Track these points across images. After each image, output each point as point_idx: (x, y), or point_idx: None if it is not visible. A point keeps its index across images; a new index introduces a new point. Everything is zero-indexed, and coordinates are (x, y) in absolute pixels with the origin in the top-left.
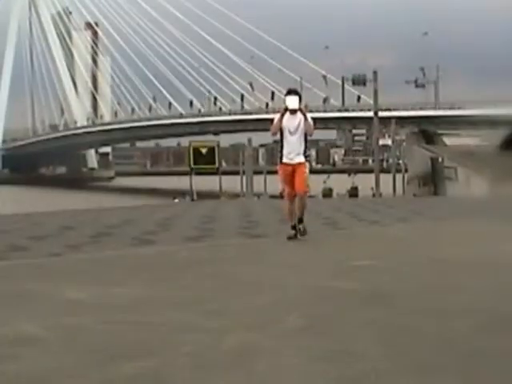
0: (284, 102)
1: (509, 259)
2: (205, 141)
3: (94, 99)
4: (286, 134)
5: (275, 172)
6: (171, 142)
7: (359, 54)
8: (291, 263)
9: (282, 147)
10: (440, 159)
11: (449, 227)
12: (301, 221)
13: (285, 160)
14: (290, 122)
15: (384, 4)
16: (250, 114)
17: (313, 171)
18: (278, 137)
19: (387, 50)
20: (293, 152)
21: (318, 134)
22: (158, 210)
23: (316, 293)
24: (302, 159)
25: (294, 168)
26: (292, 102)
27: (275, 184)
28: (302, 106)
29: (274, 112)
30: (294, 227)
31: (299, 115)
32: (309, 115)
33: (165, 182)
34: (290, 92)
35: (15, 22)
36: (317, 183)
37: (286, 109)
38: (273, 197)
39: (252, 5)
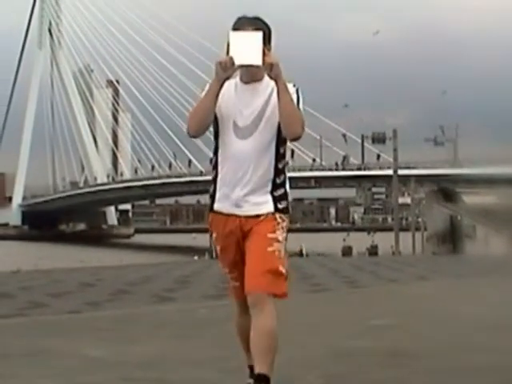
0: (228, 50)
1: None
2: None
3: (115, 156)
4: (225, 133)
5: (294, 230)
6: (191, 200)
7: (378, 112)
8: (309, 321)
9: (215, 170)
10: (459, 217)
11: (467, 286)
12: (262, 381)
13: (218, 205)
14: (240, 103)
15: (402, 61)
16: None
17: (332, 229)
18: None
19: (406, 107)
20: (241, 183)
21: (338, 192)
22: (178, 268)
23: (334, 351)
24: (267, 206)
25: (244, 227)
26: (244, 46)
27: (294, 242)
28: (272, 59)
29: (294, 170)
30: (251, 370)
31: (265, 84)
32: (290, 85)
33: (184, 239)
34: (240, 22)
35: (37, 78)
36: (337, 241)
37: (230, 64)
38: (292, 255)
39: None
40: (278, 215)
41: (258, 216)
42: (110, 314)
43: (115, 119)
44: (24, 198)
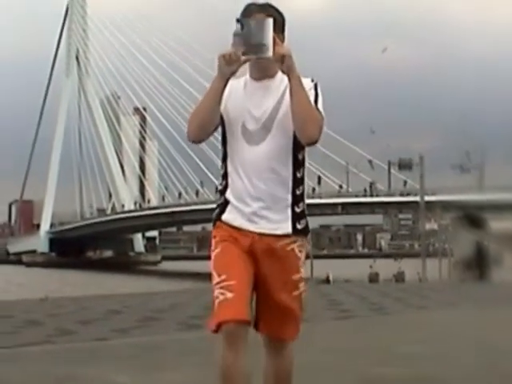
0: (233, 41)
1: None
2: None
3: (142, 183)
4: (234, 138)
5: (321, 257)
6: None
7: (404, 137)
8: (337, 348)
9: (224, 180)
10: (486, 243)
11: (495, 313)
12: None
13: (228, 216)
14: (249, 103)
15: (429, 86)
16: None
17: (359, 255)
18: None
19: (432, 132)
20: (255, 196)
21: (365, 219)
22: (205, 294)
23: (362, 378)
24: (285, 225)
25: (256, 244)
26: (252, 35)
27: (320, 268)
28: (284, 49)
29: (320, 197)
30: None
31: (278, 80)
32: (307, 80)
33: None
34: (249, 10)
35: (64, 106)
36: (363, 268)
37: (236, 57)
38: (319, 282)
39: None
40: (298, 244)
41: (274, 236)
42: (137, 341)
43: (142, 146)
44: (52, 225)
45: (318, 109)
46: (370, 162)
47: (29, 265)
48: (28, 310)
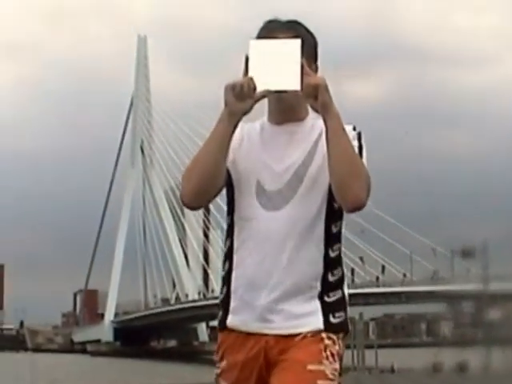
0: (247, 69)
1: None
2: None
3: (205, 273)
4: (245, 202)
5: (386, 345)
6: None
7: (468, 223)
8: None
9: (228, 261)
10: None
11: None
12: None
13: (234, 319)
14: (268, 154)
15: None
16: (360, 287)
17: (423, 344)
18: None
19: (496, 218)
20: (271, 283)
21: (428, 307)
22: None
23: None
24: (313, 319)
25: (272, 351)
26: (273, 61)
27: (385, 357)
28: (317, 78)
29: (384, 286)
30: None
31: (309, 124)
32: (348, 127)
33: None
34: (270, 28)
35: (129, 196)
36: (427, 356)
37: (249, 90)
38: (383, 371)
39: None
40: (325, 334)
41: (295, 336)
42: None
43: (206, 236)
44: (116, 315)
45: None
46: (434, 250)
47: (93, 354)
48: None
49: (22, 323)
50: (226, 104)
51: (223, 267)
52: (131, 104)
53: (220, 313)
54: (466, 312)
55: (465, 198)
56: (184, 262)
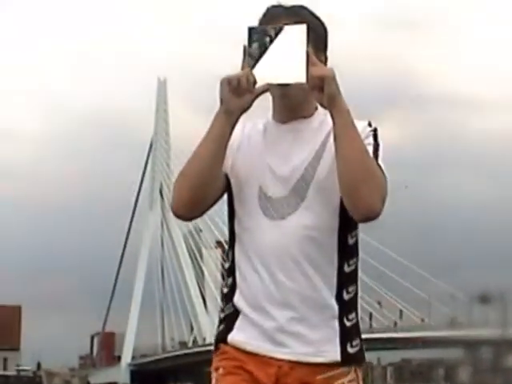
0: (245, 59)
1: None
2: None
3: None
4: (246, 210)
5: None
6: None
7: (486, 270)
8: None
9: (231, 277)
10: None
11: None
12: None
13: (239, 335)
14: (271, 156)
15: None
16: (378, 332)
17: None
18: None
19: None
20: (280, 300)
21: (446, 352)
22: None
23: None
24: (330, 347)
25: (285, 378)
26: (275, 50)
27: None
28: (324, 69)
29: (402, 330)
30: None
31: (316, 122)
32: (361, 123)
33: None
34: (273, 13)
35: (147, 239)
36: None
37: (247, 84)
38: None
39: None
40: (349, 379)
41: (311, 365)
42: None
43: (224, 279)
44: (133, 357)
45: (378, 165)
46: (452, 295)
47: None
48: None
49: (39, 365)
50: (222, 101)
51: (226, 283)
52: (150, 147)
53: (220, 328)
54: (485, 358)
55: (484, 244)
56: (202, 304)
